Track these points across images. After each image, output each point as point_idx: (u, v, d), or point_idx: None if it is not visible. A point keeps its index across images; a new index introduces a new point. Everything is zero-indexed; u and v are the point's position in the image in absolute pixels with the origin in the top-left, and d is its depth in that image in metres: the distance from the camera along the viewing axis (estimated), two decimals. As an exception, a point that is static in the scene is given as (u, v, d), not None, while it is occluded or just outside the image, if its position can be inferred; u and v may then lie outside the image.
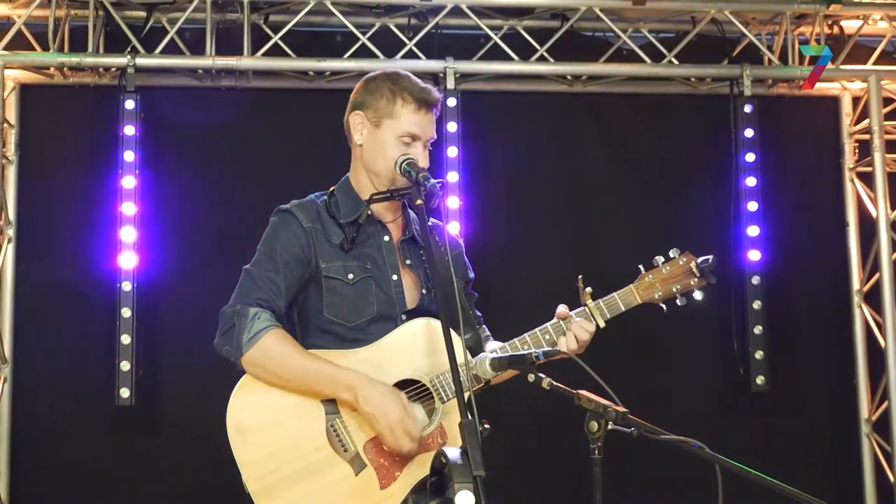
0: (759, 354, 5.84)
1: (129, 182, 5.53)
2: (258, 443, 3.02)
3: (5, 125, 5.67)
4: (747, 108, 5.96)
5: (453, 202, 5.68)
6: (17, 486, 5.68)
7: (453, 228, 5.65)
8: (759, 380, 5.83)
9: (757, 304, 5.87)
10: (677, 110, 6.33)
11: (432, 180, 2.98)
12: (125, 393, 5.42)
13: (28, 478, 5.71)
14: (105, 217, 5.65)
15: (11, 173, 5.81)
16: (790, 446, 6.01)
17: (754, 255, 5.89)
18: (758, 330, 5.85)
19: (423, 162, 3.16)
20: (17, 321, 5.76)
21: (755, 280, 5.88)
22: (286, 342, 3.04)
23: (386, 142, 3.18)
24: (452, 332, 2.78)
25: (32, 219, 5.85)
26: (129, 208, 5.52)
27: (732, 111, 6.02)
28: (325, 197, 3.28)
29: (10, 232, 5.75)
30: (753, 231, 5.90)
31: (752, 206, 5.91)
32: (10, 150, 5.79)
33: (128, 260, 5.50)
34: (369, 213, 3.20)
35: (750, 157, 5.95)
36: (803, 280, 6.19)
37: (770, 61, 6.13)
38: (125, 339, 5.44)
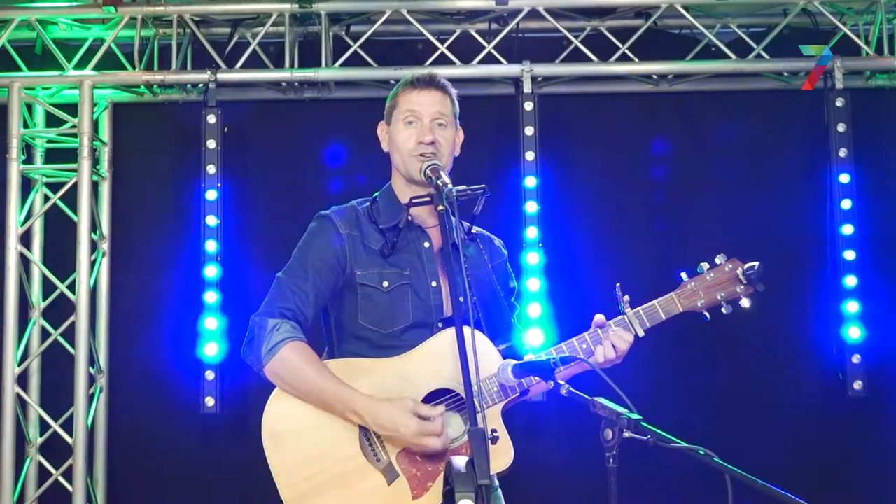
0: (856, 359, 5.59)
1: (211, 195, 5.66)
2: (292, 450, 3.03)
3: (98, 143, 5.86)
4: (839, 102, 5.71)
5: (531, 207, 5.61)
6: (112, 493, 5.88)
7: (529, 233, 5.59)
8: (857, 385, 5.58)
9: (853, 306, 5.61)
10: (769, 107, 6.11)
11: (450, 185, 2.93)
12: (210, 401, 5.54)
13: (123, 484, 5.92)
14: (193, 229, 5.77)
15: (105, 190, 6.02)
16: (889, 453, 5.73)
17: (849, 255, 5.63)
18: (855, 333, 5.61)
19: (427, 135, 3.15)
20: (111, 332, 5.95)
21: (851, 281, 5.62)
22: (302, 356, 3.04)
23: (396, 131, 3.23)
24: (477, 335, 2.73)
25: (125, 233, 6.06)
26: (211, 220, 5.64)
27: (825, 106, 5.79)
28: (367, 203, 3.28)
29: (105, 246, 5.95)
30: (848, 230, 5.65)
31: (846, 203, 5.66)
32: (104, 167, 6.00)
33: (211, 271, 5.61)
34: (410, 218, 3.19)
35: (843, 152, 5.71)
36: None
37: (867, 53, 5.87)
38: (210, 348, 5.56)
